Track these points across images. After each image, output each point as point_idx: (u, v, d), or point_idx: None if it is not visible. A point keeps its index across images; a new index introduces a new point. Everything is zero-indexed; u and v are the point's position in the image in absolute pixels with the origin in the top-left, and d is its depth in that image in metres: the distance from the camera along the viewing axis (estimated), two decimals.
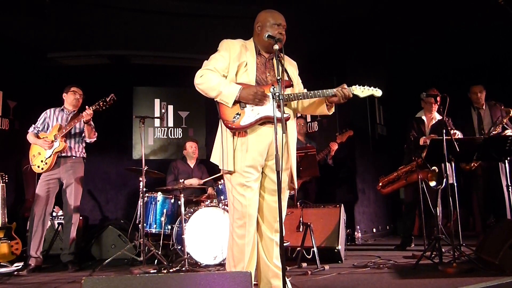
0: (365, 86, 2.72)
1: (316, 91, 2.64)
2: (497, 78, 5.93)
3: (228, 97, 2.48)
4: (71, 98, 4.48)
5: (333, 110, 2.81)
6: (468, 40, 5.87)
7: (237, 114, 2.51)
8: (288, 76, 2.70)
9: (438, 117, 4.86)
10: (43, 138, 4.29)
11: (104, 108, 4.22)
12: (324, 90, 2.64)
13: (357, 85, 2.70)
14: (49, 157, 4.24)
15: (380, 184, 5.06)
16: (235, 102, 2.50)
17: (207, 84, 2.52)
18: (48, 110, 4.47)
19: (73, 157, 4.40)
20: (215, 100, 2.57)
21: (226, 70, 2.60)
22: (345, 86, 2.64)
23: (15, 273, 3.99)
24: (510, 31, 5.13)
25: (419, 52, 6.39)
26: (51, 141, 4.24)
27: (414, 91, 4.71)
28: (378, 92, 2.74)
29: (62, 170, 4.33)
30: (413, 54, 6.46)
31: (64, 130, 4.25)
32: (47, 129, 4.39)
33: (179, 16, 5.24)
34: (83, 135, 4.46)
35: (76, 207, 4.37)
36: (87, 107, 4.18)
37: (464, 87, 5.12)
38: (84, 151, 4.54)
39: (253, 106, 2.52)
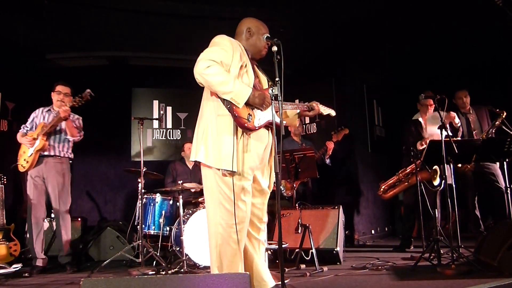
0: (324, 106, 2.98)
1: (298, 103, 2.84)
2: (494, 80, 5.96)
3: (240, 98, 2.41)
4: (54, 99, 4.35)
5: (298, 121, 3.09)
6: (467, 43, 5.88)
7: (249, 114, 2.48)
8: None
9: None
10: (27, 137, 4.21)
11: (80, 104, 4.03)
12: (305, 104, 2.87)
13: (318, 103, 2.94)
14: (30, 155, 4.15)
15: (382, 189, 5.04)
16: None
17: (217, 78, 2.39)
18: (37, 110, 4.41)
19: (57, 157, 4.27)
20: (224, 97, 2.44)
21: (228, 67, 2.51)
22: (317, 102, 2.90)
23: (25, 274, 3.97)
24: (509, 32, 5.16)
25: (417, 54, 6.41)
26: (32, 139, 4.14)
27: (412, 93, 4.73)
28: (333, 113, 3.05)
29: (45, 170, 4.21)
30: (411, 56, 6.47)
31: (45, 128, 4.14)
32: (35, 129, 4.30)
33: (178, 17, 5.24)
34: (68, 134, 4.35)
35: (64, 208, 4.27)
36: (63, 104, 4.12)
37: (459, 88, 5.15)
38: (70, 151, 4.40)
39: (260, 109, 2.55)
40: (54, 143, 4.26)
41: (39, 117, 4.35)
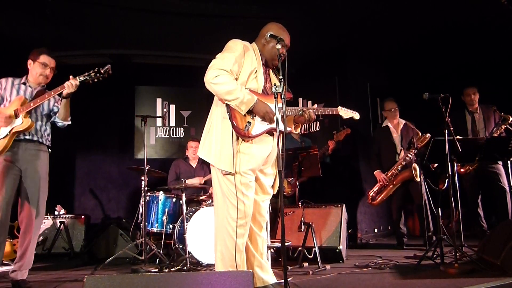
0: (345, 108, 3.02)
1: (293, 108, 2.83)
2: (494, 79, 5.93)
3: (244, 106, 2.53)
4: (36, 71, 3.37)
5: (299, 129, 3.01)
6: (469, 41, 5.86)
7: (248, 122, 2.58)
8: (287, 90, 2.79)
9: (402, 121, 5.11)
10: None
11: (96, 81, 3.15)
12: (298, 108, 2.83)
13: (340, 106, 2.98)
14: (4, 137, 3.13)
15: (370, 197, 5.13)
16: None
17: (224, 87, 2.51)
18: (3, 80, 3.38)
19: (38, 143, 3.31)
20: (225, 102, 2.57)
21: (238, 73, 2.63)
22: (316, 106, 2.93)
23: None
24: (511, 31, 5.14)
25: (421, 52, 6.38)
26: (8, 116, 3.14)
27: (415, 92, 4.70)
28: (356, 116, 3.06)
29: (24, 158, 3.23)
30: (415, 54, 6.44)
31: (32, 104, 3.16)
32: (0, 104, 3.30)
33: (181, 15, 5.24)
34: (52, 117, 3.45)
35: (43, 209, 3.33)
36: (71, 77, 3.15)
37: (461, 87, 5.15)
38: (50, 138, 3.45)
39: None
40: (35, 125, 3.29)
41: (8, 89, 3.33)
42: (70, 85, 3.10)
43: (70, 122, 3.46)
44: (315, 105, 2.97)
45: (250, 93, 2.57)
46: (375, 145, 5.29)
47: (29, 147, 3.25)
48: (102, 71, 3.12)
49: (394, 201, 5.16)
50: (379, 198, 5.07)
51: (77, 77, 3.13)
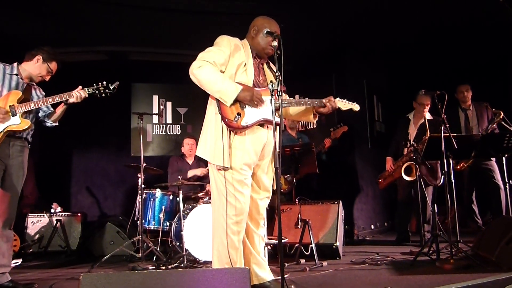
0: (345, 100, 2.90)
1: (308, 99, 2.79)
2: (495, 77, 5.96)
3: (228, 96, 2.49)
4: (41, 73, 3.28)
5: (316, 119, 2.97)
6: (467, 39, 5.88)
7: (238, 114, 2.55)
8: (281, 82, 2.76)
9: (428, 116, 4.96)
10: None
11: (103, 96, 3.18)
12: (315, 100, 2.79)
13: (339, 98, 2.88)
14: None
15: (379, 180, 5.30)
16: (234, 101, 2.52)
17: (206, 77, 2.50)
18: None
19: (24, 139, 3.19)
20: (215, 96, 2.56)
21: (224, 66, 2.61)
22: (332, 98, 2.82)
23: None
24: (509, 29, 5.15)
25: (418, 50, 6.40)
26: (5, 112, 2.97)
27: (412, 89, 4.73)
28: (356, 107, 2.93)
29: (9, 153, 3.08)
30: (412, 51, 6.46)
31: (33, 105, 3.04)
32: None
33: (178, 12, 5.22)
34: (39, 114, 3.36)
35: (16, 206, 3.17)
36: (80, 87, 3.15)
37: (455, 84, 5.17)
38: (31, 133, 3.31)
39: (253, 108, 2.59)
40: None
41: (1, 78, 3.13)
42: (79, 96, 3.11)
43: (57, 124, 3.43)
44: (331, 98, 2.87)
45: (234, 83, 2.54)
46: (396, 134, 5.21)
47: (16, 143, 3.14)
48: (111, 87, 3.17)
49: (400, 195, 5.15)
50: (384, 183, 5.26)
51: (86, 89, 3.13)
